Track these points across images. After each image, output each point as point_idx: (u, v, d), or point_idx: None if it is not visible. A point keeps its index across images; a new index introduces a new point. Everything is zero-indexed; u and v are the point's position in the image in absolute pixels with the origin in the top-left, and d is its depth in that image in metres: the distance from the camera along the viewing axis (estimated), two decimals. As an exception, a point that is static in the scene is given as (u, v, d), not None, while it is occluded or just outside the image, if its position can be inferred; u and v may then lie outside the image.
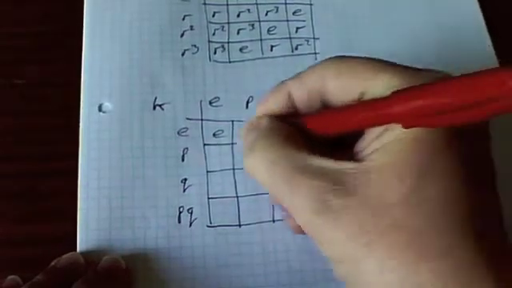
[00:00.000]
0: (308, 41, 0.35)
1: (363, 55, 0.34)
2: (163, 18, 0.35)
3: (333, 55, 0.34)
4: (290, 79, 0.25)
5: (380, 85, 0.22)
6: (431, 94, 0.19)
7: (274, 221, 0.30)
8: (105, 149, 0.31)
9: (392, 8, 0.37)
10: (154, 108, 0.32)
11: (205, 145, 0.32)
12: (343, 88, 0.23)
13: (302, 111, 0.25)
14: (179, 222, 0.30)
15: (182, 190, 0.30)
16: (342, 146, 0.24)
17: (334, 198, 0.21)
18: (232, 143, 0.32)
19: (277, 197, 0.24)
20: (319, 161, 0.22)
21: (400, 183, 0.20)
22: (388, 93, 0.21)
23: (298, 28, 0.36)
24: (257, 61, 0.34)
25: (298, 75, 0.25)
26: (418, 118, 0.19)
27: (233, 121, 0.32)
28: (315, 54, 0.35)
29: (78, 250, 0.28)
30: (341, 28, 0.36)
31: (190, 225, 0.30)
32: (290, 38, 0.35)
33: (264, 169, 0.23)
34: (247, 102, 0.33)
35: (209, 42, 0.34)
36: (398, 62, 0.37)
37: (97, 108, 0.32)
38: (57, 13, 0.35)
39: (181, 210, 0.30)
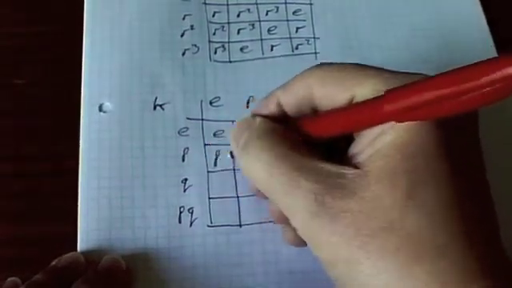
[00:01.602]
0: (308, 40, 0.35)
1: (363, 54, 0.35)
2: (163, 17, 0.35)
3: (333, 55, 0.35)
4: (278, 89, 0.26)
5: (368, 89, 0.22)
6: (425, 87, 0.19)
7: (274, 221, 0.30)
8: (105, 149, 0.31)
9: (392, 7, 0.37)
10: (155, 108, 0.32)
11: (205, 145, 0.31)
12: (330, 95, 0.23)
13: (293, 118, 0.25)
14: (180, 221, 0.29)
15: (183, 189, 0.30)
16: (336, 150, 0.24)
17: (332, 200, 0.21)
18: (232, 143, 0.32)
19: (273, 198, 0.23)
20: (316, 163, 0.22)
21: (394, 187, 0.20)
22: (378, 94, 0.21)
23: (298, 28, 0.36)
24: (257, 61, 0.34)
25: (285, 85, 0.25)
26: (412, 111, 0.19)
27: (233, 121, 0.32)
28: (315, 53, 0.35)
29: (79, 249, 0.28)
30: (341, 27, 0.36)
31: (191, 225, 0.30)
32: (291, 37, 0.35)
33: (260, 170, 0.23)
34: (248, 102, 0.33)
35: (209, 41, 0.34)
36: (398, 61, 0.37)
37: (97, 108, 0.32)
38: (57, 13, 0.35)
39: (181, 209, 0.30)
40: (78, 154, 0.30)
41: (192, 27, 0.35)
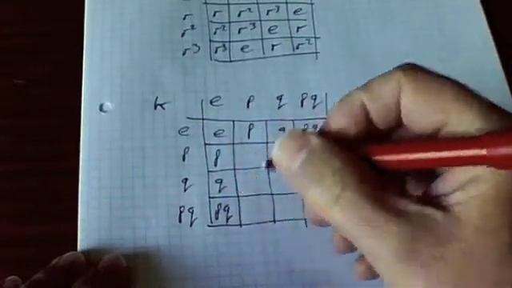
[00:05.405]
0: (309, 40, 0.35)
1: (363, 54, 0.35)
2: (164, 17, 0.35)
3: (334, 54, 0.35)
4: (359, 89, 0.21)
5: (465, 122, 0.19)
6: None
7: (274, 221, 0.30)
8: (106, 148, 0.31)
9: (392, 7, 0.37)
10: (155, 107, 0.32)
11: (206, 144, 0.31)
12: (421, 111, 0.20)
13: (378, 128, 0.22)
14: (180, 221, 0.29)
15: (183, 189, 0.30)
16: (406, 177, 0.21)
17: (424, 246, 0.19)
18: (233, 143, 0.32)
19: (353, 240, 0.21)
20: (401, 202, 0.20)
21: (494, 240, 0.19)
22: (474, 132, 0.19)
23: (298, 27, 0.36)
24: (258, 60, 0.34)
25: (367, 85, 0.21)
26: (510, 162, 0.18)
27: (234, 120, 0.32)
28: (316, 53, 0.35)
29: (79, 249, 0.28)
30: (341, 27, 0.36)
31: (191, 224, 0.29)
32: (291, 37, 0.35)
33: (338, 211, 0.20)
34: (248, 102, 0.33)
35: (210, 41, 0.34)
36: (398, 61, 0.37)
37: (98, 108, 0.32)
38: (57, 13, 0.35)
39: (181, 209, 0.30)
40: (78, 154, 0.30)
41: (193, 27, 0.35)
